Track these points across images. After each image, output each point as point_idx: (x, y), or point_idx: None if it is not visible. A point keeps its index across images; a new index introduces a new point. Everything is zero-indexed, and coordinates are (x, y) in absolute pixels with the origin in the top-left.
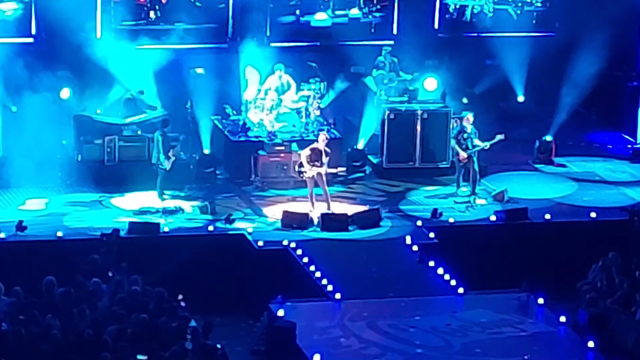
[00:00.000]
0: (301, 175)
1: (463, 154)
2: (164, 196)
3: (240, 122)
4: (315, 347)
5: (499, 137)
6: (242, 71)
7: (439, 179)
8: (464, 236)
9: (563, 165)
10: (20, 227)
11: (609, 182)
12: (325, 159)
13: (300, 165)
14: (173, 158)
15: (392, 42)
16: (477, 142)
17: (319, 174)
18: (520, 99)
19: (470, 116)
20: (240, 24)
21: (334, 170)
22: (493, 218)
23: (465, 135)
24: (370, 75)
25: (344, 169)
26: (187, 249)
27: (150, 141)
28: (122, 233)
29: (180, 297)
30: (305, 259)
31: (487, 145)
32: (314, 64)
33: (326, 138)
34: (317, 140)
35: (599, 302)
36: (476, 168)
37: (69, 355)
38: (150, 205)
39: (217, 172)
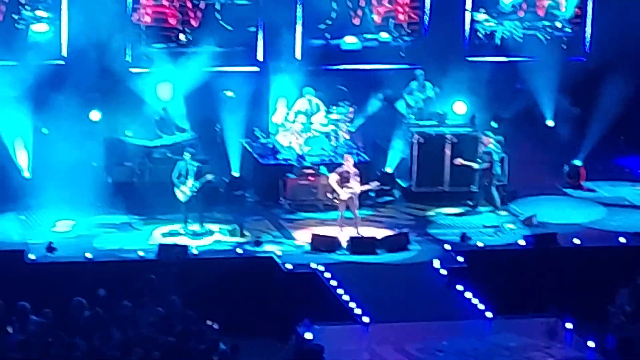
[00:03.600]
0: (336, 200)
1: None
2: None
3: (270, 145)
4: None
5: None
6: (272, 94)
7: (469, 202)
8: (492, 260)
9: (592, 190)
10: (50, 248)
11: (639, 207)
12: (355, 179)
13: (333, 191)
14: (193, 190)
15: (421, 66)
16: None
17: (352, 196)
18: (550, 123)
19: (484, 137)
20: (270, 47)
21: (368, 187)
22: (522, 242)
23: (485, 150)
24: (402, 98)
25: (377, 183)
26: (216, 271)
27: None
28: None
29: (210, 323)
30: (334, 282)
31: (475, 165)
32: (343, 88)
33: (351, 159)
34: (343, 163)
35: (628, 327)
36: (491, 185)
37: None
38: (179, 228)
39: (246, 194)
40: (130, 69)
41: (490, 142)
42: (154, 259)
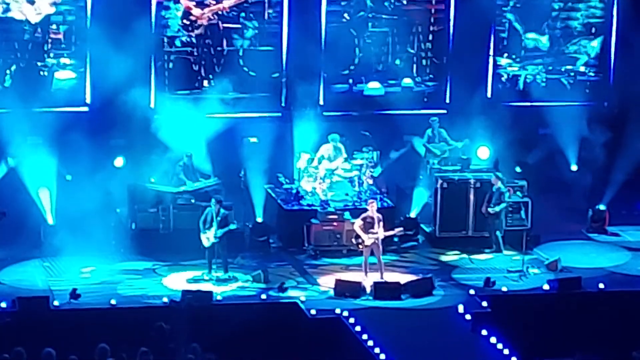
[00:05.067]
0: (360, 245)
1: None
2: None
3: (294, 191)
4: None
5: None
6: (295, 140)
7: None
8: (517, 305)
9: (616, 234)
10: (74, 295)
11: None
12: (379, 225)
13: (357, 236)
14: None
15: (445, 111)
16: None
17: (376, 242)
18: (574, 168)
19: (493, 178)
20: (293, 93)
21: (392, 233)
22: (546, 287)
23: (498, 189)
24: (421, 138)
25: (401, 229)
26: (240, 317)
27: (203, 210)
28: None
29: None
30: (358, 328)
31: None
32: (367, 133)
33: (375, 204)
34: (367, 209)
35: None
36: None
37: None
38: (203, 274)
39: (270, 240)
40: (154, 116)
41: (499, 183)
42: (169, 305)
